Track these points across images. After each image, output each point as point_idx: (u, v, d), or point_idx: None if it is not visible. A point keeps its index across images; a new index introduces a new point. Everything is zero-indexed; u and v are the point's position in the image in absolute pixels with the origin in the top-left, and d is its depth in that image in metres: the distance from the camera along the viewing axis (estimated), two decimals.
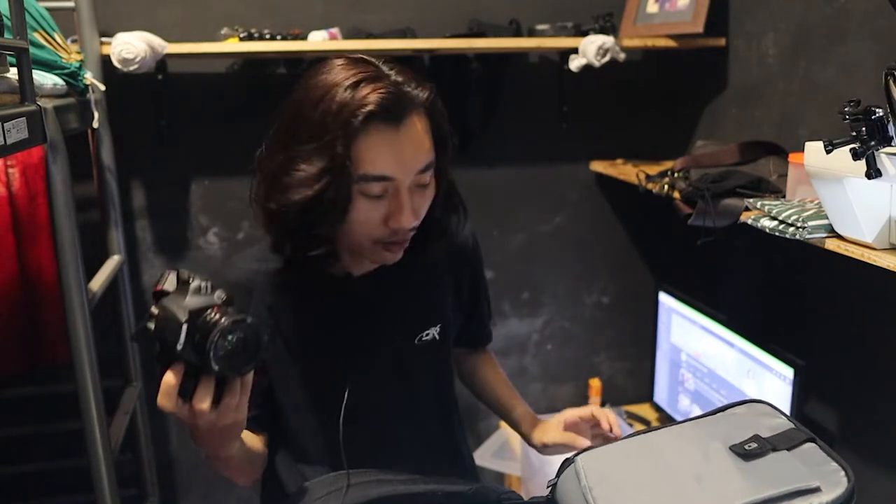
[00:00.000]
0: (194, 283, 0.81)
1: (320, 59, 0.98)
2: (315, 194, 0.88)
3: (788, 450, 0.80)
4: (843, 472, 0.75)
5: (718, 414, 0.91)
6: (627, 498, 0.79)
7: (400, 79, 0.90)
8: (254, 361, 0.81)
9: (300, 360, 1.05)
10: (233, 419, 0.83)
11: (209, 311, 0.78)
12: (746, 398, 0.93)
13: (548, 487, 0.91)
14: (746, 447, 0.80)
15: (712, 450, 0.82)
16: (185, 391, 0.80)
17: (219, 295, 0.81)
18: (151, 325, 0.79)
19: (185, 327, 0.76)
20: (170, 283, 0.82)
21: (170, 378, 0.80)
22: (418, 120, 0.91)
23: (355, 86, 0.87)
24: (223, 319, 0.76)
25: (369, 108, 0.85)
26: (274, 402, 1.06)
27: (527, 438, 1.22)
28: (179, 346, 0.77)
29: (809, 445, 0.80)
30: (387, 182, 0.90)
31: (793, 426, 0.84)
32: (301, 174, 0.89)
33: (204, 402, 0.80)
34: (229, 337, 0.77)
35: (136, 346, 1.75)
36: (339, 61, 0.92)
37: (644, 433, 0.91)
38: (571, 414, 1.14)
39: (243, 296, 0.91)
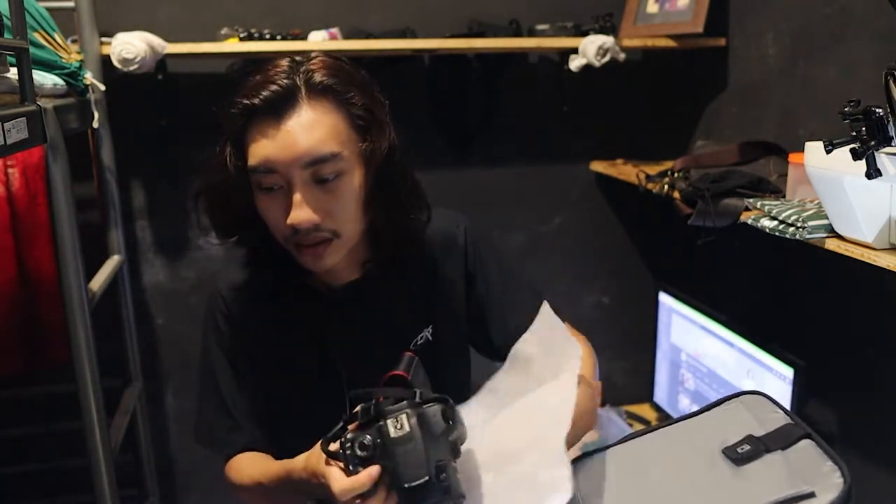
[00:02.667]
0: (453, 436, 0.79)
1: None
2: (219, 184, 0.94)
3: (783, 449, 0.78)
4: (838, 473, 0.73)
5: (715, 409, 0.90)
6: None
7: (299, 70, 0.90)
8: None
9: (293, 373, 1.05)
10: None
11: (444, 463, 0.78)
12: (743, 390, 0.91)
13: None
14: (739, 450, 0.78)
15: (705, 455, 0.80)
16: (368, 494, 0.79)
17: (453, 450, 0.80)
18: (374, 440, 0.78)
19: (427, 480, 0.76)
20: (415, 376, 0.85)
21: (366, 482, 0.78)
22: (311, 110, 0.89)
23: (245, 86, 0.91)
24: (452, 488, 0.77)
25: (246, 102, 0.88)
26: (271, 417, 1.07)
27: None
28: (407, 486, 0.76)
29: (805, 443, 0.78)
30: (273, 174, 0.89)
31: (789, 421, 0.82)
32: (210, 165, 0.97)
33: None
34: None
35: (136, 346, 1.75)
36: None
37: (638, 436, 0.89)
38: None
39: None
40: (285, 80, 0.89)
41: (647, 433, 0.90)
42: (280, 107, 0.88)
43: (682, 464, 0.81)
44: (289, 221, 0.89)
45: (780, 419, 0.83)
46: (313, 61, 0.92)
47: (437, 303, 1.10)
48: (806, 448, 0.78)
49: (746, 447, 0.79)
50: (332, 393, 1.03)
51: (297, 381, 1.05)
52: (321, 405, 1.01)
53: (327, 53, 0.96)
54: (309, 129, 0.88)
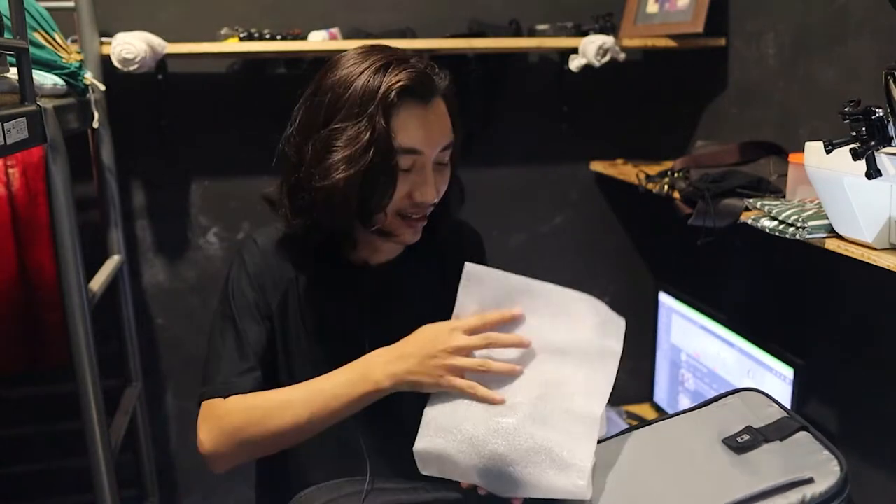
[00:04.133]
0: None
1: (321, 59, 1.01)
2: (364, 168, 0.92)
3: (781, 440, 0.80)
4: (835, 461, 0.75)
5: (713, 404, 0.91)
6: (624, 498, 0.80)
7: (422, 63, 0.98)
8: None
9: (315, 340, 1.07)
10: None
11: None
12: (740, 387, 0.93)
13: None
14: (739, 440, 0.80)
15: (705, 444, 0.82)
16: None
17: None
18: None
19: None
20: None
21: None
22: (442, 101, 0.99)
23: (386, 67, 0.94)
24: None
25: (403, 83, 0.93)
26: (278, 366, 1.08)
27: None
28: None
29: (802, 434, 0.80)
30: (415, 156, 0.97)
31: (785, 415, 0.84)
32: (346, 152, 0.92)
33: None
34: None
35: (136, 346, 1.75)
36: (356, 51, 0.98)
37: (639, 428, 0.91)
38: None
39: None
40: (425, 70, 0.97)
41: (646, 426, 0.91)
42: (426, 93, 0.96)
43: (683, 453, 0.83)
44: (422, 197, 0.98)
45: (777, 413, 0.85)
46: (425, 58, 1.00)
47: (449, 298, 1.13)
48: (803, 439, 0.80)
49: (746, 437, 0.81)
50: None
51: (321, 346, 1.07)
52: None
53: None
54: (445, 117, 0.99)
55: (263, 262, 1.07)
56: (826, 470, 0.74)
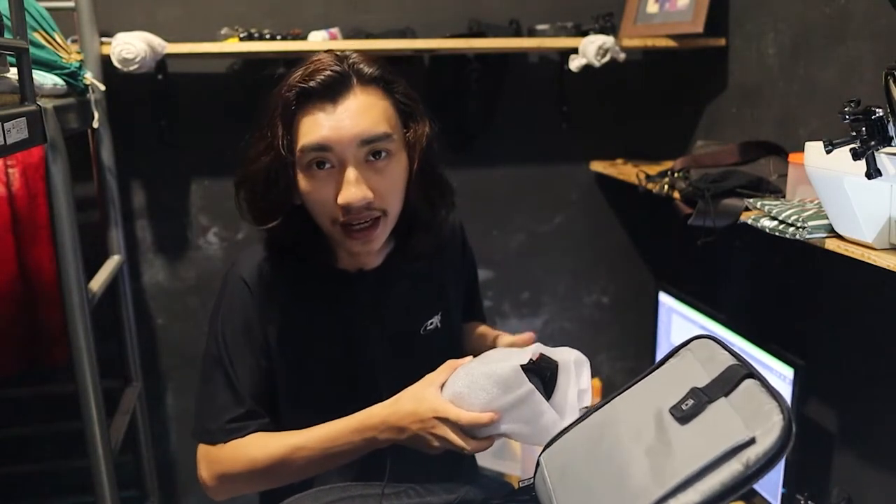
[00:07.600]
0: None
1: None
2: (263, 168, 0.95)
3: (726, 395, 0.77)
4: (777, 409, 0.71)
5: (667, 363, 0.89)
6: (584, 495, 0.79)
7: (347, 62, 0.96)
8: None
9: (313, 352, 1.06)
10: None
11: None
12: (692, 336, 0.90)
13: (521, 486, 0.93)
14: (683, 407, 0.78)
15: (655, 418, 0.80)
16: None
17: None
18: None
19: None
20: None
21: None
22: (364, 95, 0.95)
23: (296, 73, 0.95)
24: None
25: (301, 86, 0.93)
26: (281, 394, 1.07)
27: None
28: None
29: (748, 383, 0.77)
30: (327, 153, 0.93)
31: (734, 362, 0.81)
32: (252, 152, 0.98)
33: None
34: None
35: (136, 346, 1.75)
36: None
37: (598, 409, 0.89)
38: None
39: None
40: (337, 68, 0.94)
41: (606, 403, 0.89)
42: (335, 90, 0.94)
43: (637, 430, 0.80)
44: (343, 199, 0.93)
45: (726, 360, 0.82)
46: (354, 56, 0.98)
47: (446, 291, 1.17)
48: (749, 388, 0.77)
49: (690, 402, 0.78)
50: (360, 373, 1.07)
51: (326, 365, 1.07)
52: (349, 387, 1.06)
53: (362, 53, 1.01)
54: (363, 110, 0.94)
55: (250, 298, 1.03)
56: (769, 424, 0.70)
